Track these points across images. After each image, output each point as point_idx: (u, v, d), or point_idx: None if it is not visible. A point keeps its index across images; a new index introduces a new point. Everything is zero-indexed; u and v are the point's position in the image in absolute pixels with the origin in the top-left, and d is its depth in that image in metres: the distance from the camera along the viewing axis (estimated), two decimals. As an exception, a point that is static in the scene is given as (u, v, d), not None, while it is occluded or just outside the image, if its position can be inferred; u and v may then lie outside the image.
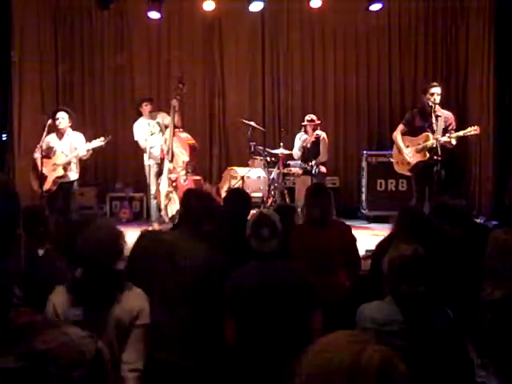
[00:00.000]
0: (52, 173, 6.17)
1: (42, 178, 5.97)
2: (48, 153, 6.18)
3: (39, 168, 6.04)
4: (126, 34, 8.83)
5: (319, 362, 0.98)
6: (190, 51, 8.79)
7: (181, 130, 6.73)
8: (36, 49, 8.40)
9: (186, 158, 6.55)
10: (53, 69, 8.74)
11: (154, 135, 6.76)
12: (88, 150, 6.22)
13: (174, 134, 6.55)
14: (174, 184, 6.57)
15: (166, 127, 6.69)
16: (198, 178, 6.84)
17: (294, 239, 3.62)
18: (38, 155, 6.17)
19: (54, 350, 1.06)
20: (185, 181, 6.55)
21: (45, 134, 6.05)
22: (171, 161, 6.56)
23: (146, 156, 6.81)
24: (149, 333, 2.57)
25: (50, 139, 6.21)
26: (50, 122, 6.14)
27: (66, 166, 6.18)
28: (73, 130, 6.34)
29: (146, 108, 6.89)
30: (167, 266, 2.97)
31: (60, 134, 6.23)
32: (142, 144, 6.83)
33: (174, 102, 6.60)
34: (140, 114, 6.95)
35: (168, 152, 6.57)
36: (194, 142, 6.74)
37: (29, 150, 7.37)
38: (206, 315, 2.94)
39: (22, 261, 1.21)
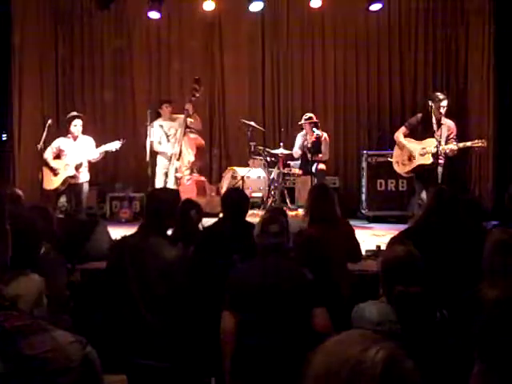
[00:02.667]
0: (64, 172, 6.30)
1: (43, 178, 6.00)
2: (58, 155, 6.33)
3: (51, 166, 6.24)
4: (125, 34, 8.84)
5: (326, 360, 0.98)
6: (190, 51, 8.79)
7: (193, 130, 6.74)
8: (36, 49, 8.41)
9: (192, 158, 6.57)
10: (53, 69, 8.74)
11: (170, 137, 6.78)
12: (101, 153, 6.38)
13: (184, 134, 6.58)
14: (178, 183, 6.61)
15: None
16: (201, 178, 6.83)
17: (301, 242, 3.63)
18: (48, 156, 6.31)
19: (40, 356, 1.06)
20: (188, 180, 6.57)
21: (45, 134, 6.06)
22: (178, 159, 6.60)
23: (158, 156, 6.87)
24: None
25: (61, 142, 6.34)
26: (50, 122, 6.17)
27: (77, 167, 6.32)
28: (82, 134, 6.47)
29: (166, 110, 6.88)
30: (131, 269, 3.03)
31: (73, 138, 6.38)
32: (154, 146, 6.86)
33: (188, 106, 6.62)
34: (159, 115, 6.95)
35: (176, 151, 6.61)
36: (202, 143, 6.76)
37: (29, 149, 7.41)
38: (177, 314, 2.99)
39: (7, 257, 1.21)
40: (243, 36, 8.78)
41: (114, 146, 6.37)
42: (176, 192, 3.72)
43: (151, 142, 6.83)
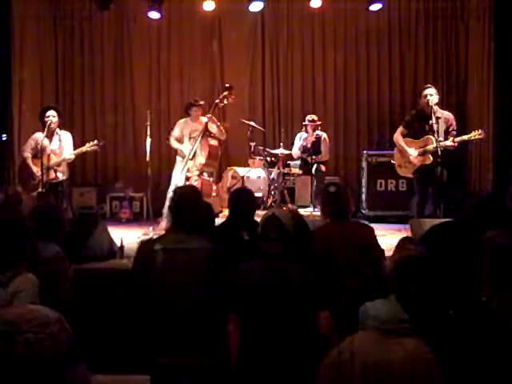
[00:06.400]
0: (44, 176, 5.98)
1: (37, 177, 5.92)
2: (37, 152, 5.96)
3: (31, 168, 6.00)
4: (125, 34, 8.84)
5: (345, 362, 0.97)
6: (190, 51, 8.79)
7: (213, 134, 6.75)
8: (36, 49, 8.40)
9: (203, 161, 6.61)
10: (53, 69, 8.75)
11: (192, 139, 6.78)
12: (75, 155, 6.15)
13: (203, 137, 6.60)
14: (186, 183, 6.65)
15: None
16: (209, 181, 6.83)
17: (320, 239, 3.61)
18: (28, 154, 6.08)
19: (24, 315, 1.23)
20: (195, 181, 6.61)
21: (45, 134, 6.01)
22: (191, 159, 6.63)
23: (177, 157, 6.91)
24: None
25: (39, 137, 5.97)
26: (50, 121, 6.10)
27: (56, 168, 6.05)
28: (60, 129, 6.21)
29: (194, 113, 6.84)
30: (166, 272, 2.98)
31: (50, 134, 6.05)
32: (172, 142, 6.89)
33: (210, 116, 6.67)
34: (188, 115, 6.94)
35: (191, 150, 6.64)
36: (216, 150, 6.77)
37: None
38: (213, 311, 2.96)
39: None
40: (243, 36, 8.77)
41: (92, 147, 6.11)
42: (193, 187, 3.70)
43: (170, 136, 6.88)
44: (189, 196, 3.20)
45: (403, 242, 2.67)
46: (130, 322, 3.14)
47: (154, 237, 3.30)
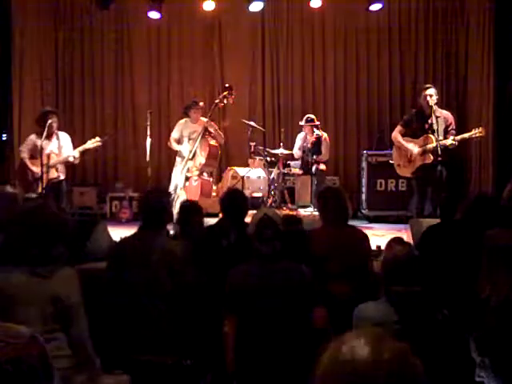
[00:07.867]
0: (44, 175, 6.07)
1: (41, 178, 5.95)
2: (35, 153, 6.10)
3: (30, 168, 6.07)
4: (125, 34, 8.84)
5: (335, 362, 0.98)
6: (190, 51, 8.79)
7: (213, 134, 6.77)
8: (36, 49, 8.41)
9: (203, 161, 6.62)
10: (53, 69, 8.75)
11: (191, 141, 6.80)
12: (80, 152, 6.26)
13: (202, 136, 6.60)
14: (186, 183, 6.67)
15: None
16: (209, 180, 6.84)
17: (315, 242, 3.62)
18: (25, 155, 6.18)
19: None
20: (195, 181, 6.63)
21: (45, 134, 6.02)
22: (191, 159, 6.65)
23: (177, 157, 6.95)
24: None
25: (36, 139, 6.11)
26: (50, 122, 6.13)
27: (57, 167, 6.19)
28: (59, 130, 6.34)
29: (194, 115, 6.85)
30: (135, 268, 3.03)
31: (49, 135, 6.17)
32: (172, 144, 6.92)
33: (209, 121, 6.70)
34: (187, 115, 6.94)
35: (191, 151, 6.65)
36: (216, 149, 6.78)
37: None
38: (180, 309, 3.00)
39: None
40: (243, 36, 8.78)
41: (94, 143, 6.25)
42: (165, 190, 3.81)
43: (170, 138, 6.90)
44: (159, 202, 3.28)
45: (391, 242, 2.68)
46: (109, 319, 3.18)
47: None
